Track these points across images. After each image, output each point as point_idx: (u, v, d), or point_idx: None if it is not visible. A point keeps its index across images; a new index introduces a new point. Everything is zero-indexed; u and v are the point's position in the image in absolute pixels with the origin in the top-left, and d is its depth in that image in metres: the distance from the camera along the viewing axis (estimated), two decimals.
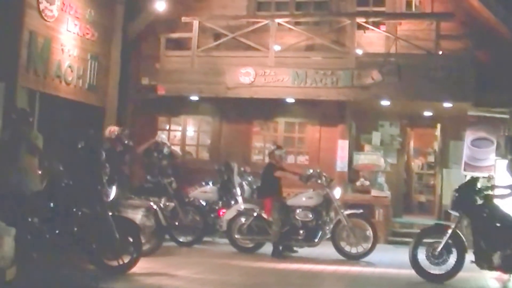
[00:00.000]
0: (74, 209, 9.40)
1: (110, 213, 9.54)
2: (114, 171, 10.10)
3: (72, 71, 14.58)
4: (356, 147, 17.17)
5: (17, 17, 12.80)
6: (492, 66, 15.56)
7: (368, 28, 16.22)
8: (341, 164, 16.08)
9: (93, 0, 15.36)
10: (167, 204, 12.92)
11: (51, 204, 9.43)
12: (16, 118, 10.64)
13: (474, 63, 15.07)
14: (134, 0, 16.76)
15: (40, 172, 10.92)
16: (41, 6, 13.33)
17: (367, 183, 16.15)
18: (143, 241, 11.08)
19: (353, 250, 12.68)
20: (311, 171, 13.07)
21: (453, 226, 10.25)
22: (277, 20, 16.20)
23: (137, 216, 11.32)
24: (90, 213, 9.46)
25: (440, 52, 15.33)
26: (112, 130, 12.67)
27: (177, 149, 16.97)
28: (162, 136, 15.23)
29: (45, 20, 13.52)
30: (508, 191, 10.38)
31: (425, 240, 10.50)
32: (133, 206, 11.50)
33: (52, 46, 13.81)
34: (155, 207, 11.63)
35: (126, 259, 9.51)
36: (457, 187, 10.69)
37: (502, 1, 15.36)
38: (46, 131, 13.68)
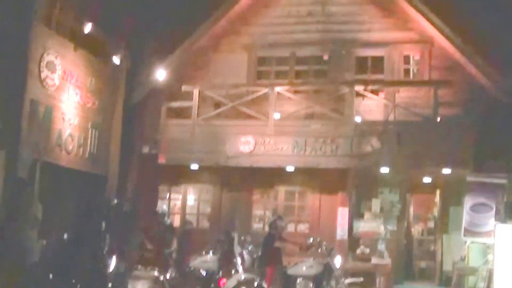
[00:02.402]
0: (74, 281, 9.33)
1: (110, 285, 9.46)
2: (113, 241, 10.02)
3: (72, 140, 14.56)
4: (356, 214, 17.11)
5: (19, 86, 12.81)
6: (490, 132, 15.65)
7: (366, 96, 16.33)
8: (342, 231, 15.99)
9: (94, 69, 15.45)
10: (173, 275, 12.84)
11: (50, 276, 9.36)
12: (14, 190, 10.55)
13: (472, 129, 15.16)
14: (134, 69, 16.90)
15: (45, 243, 10.87)
16: (43, 75, 13.34)
17: (368, 250, 16.04)
18: None
19: None
20: (311, 240, 13.04)
21: None
22: (277, 89, 16.32)
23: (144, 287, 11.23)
24: (89, 285, 9.38)
25: (439, 119, 15.41)
26: None
27: (177, 218, 17.07)
28: (162, 208, 15.29)
29: (46, 89, 13.53)
30: None
31: None
32: (139, 277, 11.39)
33: (53, 114, 13.79)
34: (161, 278, 11.53)
35: None
36: None
37: (500, 69, 15.54)
38: (48, 199, 13.70)
